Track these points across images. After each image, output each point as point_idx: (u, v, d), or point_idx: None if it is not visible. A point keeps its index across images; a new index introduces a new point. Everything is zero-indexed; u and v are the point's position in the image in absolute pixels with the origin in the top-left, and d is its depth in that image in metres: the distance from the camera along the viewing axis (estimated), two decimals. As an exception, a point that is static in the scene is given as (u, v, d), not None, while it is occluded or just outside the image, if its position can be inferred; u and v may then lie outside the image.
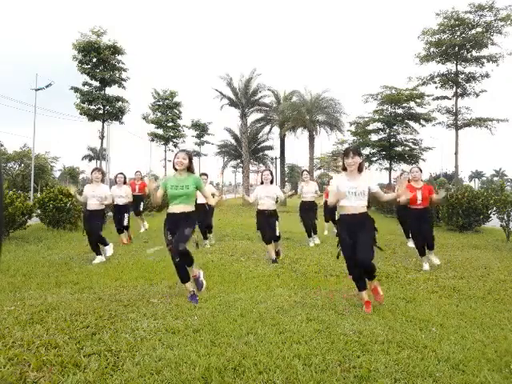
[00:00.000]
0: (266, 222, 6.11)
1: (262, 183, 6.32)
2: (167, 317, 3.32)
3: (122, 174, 8.16)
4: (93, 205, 6.08)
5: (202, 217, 7.87)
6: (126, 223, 8.14)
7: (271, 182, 6.27)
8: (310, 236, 8.03)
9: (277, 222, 6.18)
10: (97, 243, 6.09)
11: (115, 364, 2.46)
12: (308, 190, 7.92)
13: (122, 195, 7.90)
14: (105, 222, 6.71)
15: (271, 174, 6.37)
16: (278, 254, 6.30)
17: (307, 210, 8.02)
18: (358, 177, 3.73)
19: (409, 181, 6.10)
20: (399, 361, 2.55)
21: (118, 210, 8.00)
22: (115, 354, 2.60)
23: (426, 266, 5.80)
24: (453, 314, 3.60)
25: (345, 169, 3.80)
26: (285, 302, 3.80)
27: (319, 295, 4.12)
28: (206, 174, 8.14)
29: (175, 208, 3.89)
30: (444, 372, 2.42)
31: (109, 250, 6.27)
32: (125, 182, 8.14)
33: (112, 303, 3.69)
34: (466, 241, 9.00)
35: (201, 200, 7.91)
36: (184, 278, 3.87)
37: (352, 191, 3.66)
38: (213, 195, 8.31)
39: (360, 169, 3.75)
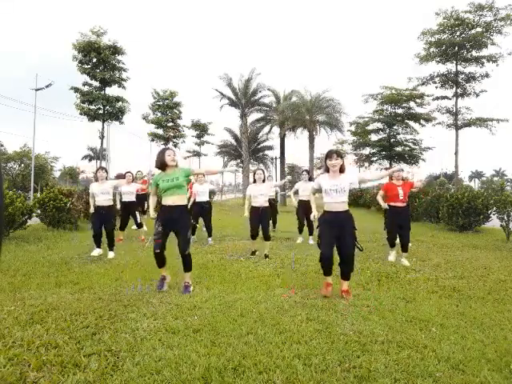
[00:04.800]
0: (258, 218, 6.47)
1: (254, 181, 6.63)
2: (167, 317, 3.32)
3: (129, 172, 8.44)
4: (102, 201, 6.37)
5: (198, 215, 8.18)
6: (139, 221, 8.54)
7: (263, 181, 6.57)
8: (300, 233, 8.51)
9: (270, 222, 6.56)
10: (100, 237, 6.43)
11: (115, 364, 2.45)
12: (306, 189, 7.98)
13: (133, 191, 8.16)
14: (115, 218, 6.83)
15: (263, 172, 6.65)
16: (266, 256, 6.46)
17: (304, 209, 8.22)
18: (338, 177, 4.02)
19: (391, 178, 6.41)
20: (399, 361, 2.55)
21: (128, 208, 8.24)
22: (115, 353, 2.60)
23: (391, 258, 6.22)
24: (453, 313, 3.60)
25: (327, 170, 4.08)
26: (285, 302, 3.80)
27: (319, 295, 4.12)
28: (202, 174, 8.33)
29: (169, 200, 4.07)
30: (444, 372, 2.42)
31: (111, 254, 6.48)
32: (132, 181, 8.35)
33: (112, 303, 3.69)
34: (466, 241, 8.99)
35: (200, 198, 8.08)
36: (161, 265, 4.19)
37: (333, 188, 3.95)
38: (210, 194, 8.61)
39: (341, 170, 4.04)
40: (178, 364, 2.45)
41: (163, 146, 28.02)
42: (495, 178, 71.79)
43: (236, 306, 3.63)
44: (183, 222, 4.06)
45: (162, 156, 4.11)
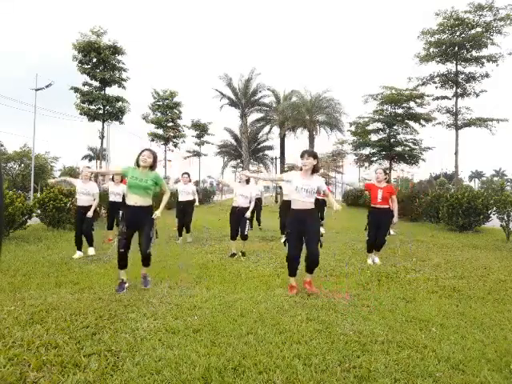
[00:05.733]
0: (237, 219, 6.61)
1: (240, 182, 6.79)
2: (167, 317, 3.32)
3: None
4: (82, 201, 6.46)
5: (181, 214, 8.33)
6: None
7: (247, 182, 6.71)
8: (282, 234, 8.46)
9: (247, 222, 6.65)
10: (81, 240, 6.48)
11: (115, 364, 2.46)
12: (290, 191, 8.00)
13: (119, 193, 8.08)
14: (95, 220, 6.83)
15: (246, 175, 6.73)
16: (243, 254, 6.56)
17: (287, 210, 8.22)
18: (310, 177, 4.21)
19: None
20: (399, 361, 2.55)
21: (114, 208, 8.15)
22: (115, 353, 2.60)
23: (370, 261, 6.15)
24: (453, 313, 3.60)
25: (301, 169, 4.24)
26: (285, 302, 3.80)
27: (319, 295, 4.12)
28: (187, 173, 8.64)
29: (132, 199, 4.16)
30: (444, 372, 2.42)
31: (92, 250, 6.60)
32: (121, 181, 8.28)
33: (112, 303, 3.69)
34: (466, 241, 9.00)
35: (182, 198, 8.26)
36: (123, 265, 4.26)
37: (305, 188, 4.12)
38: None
39: (314, 171, 4.21)
40: (178, 364, 2.45)
41: (163, 146, 28.09)
42: (495, 178, 71.76)
43: (236, 306, 3.63)
44: (146, 220, 4.17)
45: (138, 155, 4.27)
